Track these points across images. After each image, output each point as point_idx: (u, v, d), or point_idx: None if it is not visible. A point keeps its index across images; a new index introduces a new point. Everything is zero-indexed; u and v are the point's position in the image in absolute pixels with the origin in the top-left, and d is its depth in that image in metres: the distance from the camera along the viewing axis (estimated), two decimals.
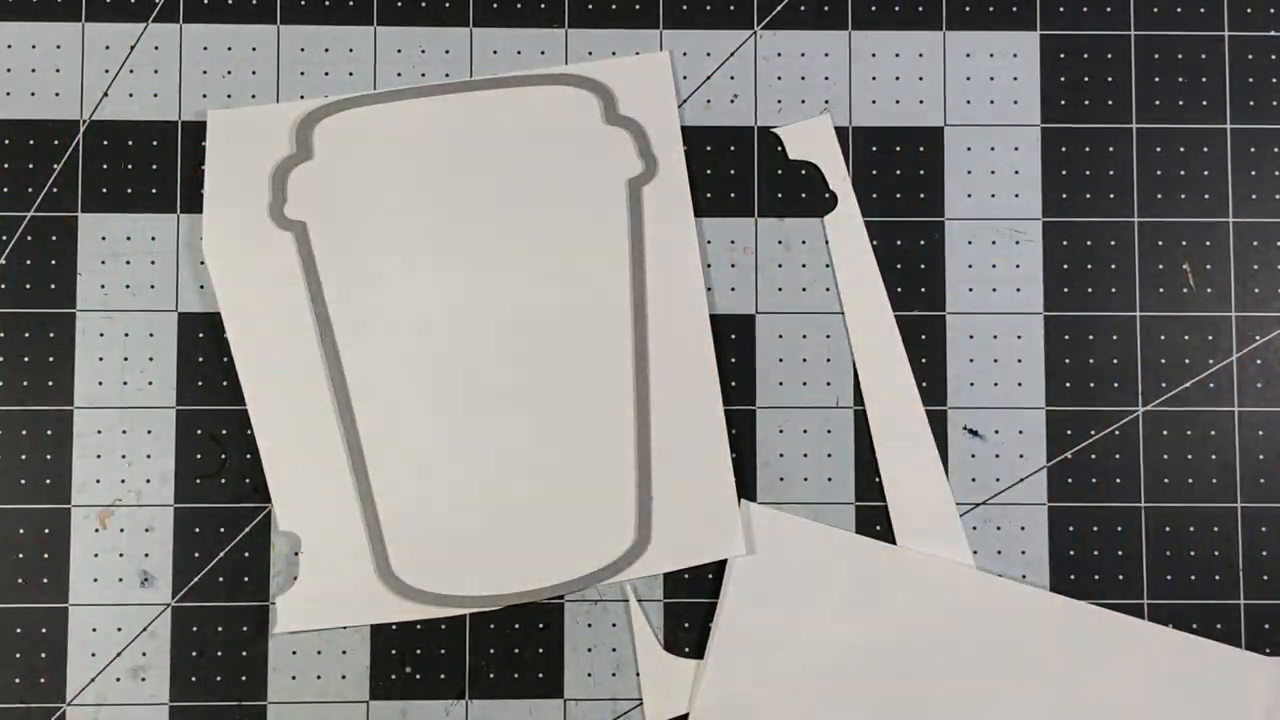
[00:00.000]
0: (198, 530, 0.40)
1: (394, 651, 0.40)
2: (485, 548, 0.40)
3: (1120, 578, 0.41)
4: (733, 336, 0.41)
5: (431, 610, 0.40)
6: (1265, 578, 0.41)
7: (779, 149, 0.42)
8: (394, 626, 0.40)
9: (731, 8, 0.42)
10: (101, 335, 0.41)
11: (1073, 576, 0.41)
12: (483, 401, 0.40)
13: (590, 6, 0.42)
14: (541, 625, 0.41)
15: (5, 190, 0.41)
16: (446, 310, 0.41)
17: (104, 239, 0.41)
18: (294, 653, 0.40)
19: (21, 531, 0.40)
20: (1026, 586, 0.41)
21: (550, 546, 0.40)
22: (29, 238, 0.41)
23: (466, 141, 0.41)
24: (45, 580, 0.40)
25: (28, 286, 0.41)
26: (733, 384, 0.41)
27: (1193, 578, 0.41)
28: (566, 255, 0.41)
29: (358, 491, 0.40)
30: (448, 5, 0.42)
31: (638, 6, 0.42)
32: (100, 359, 0.41)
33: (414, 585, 0.40)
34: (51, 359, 0.41)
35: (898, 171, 0.42)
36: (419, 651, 0.40)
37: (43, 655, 0.40)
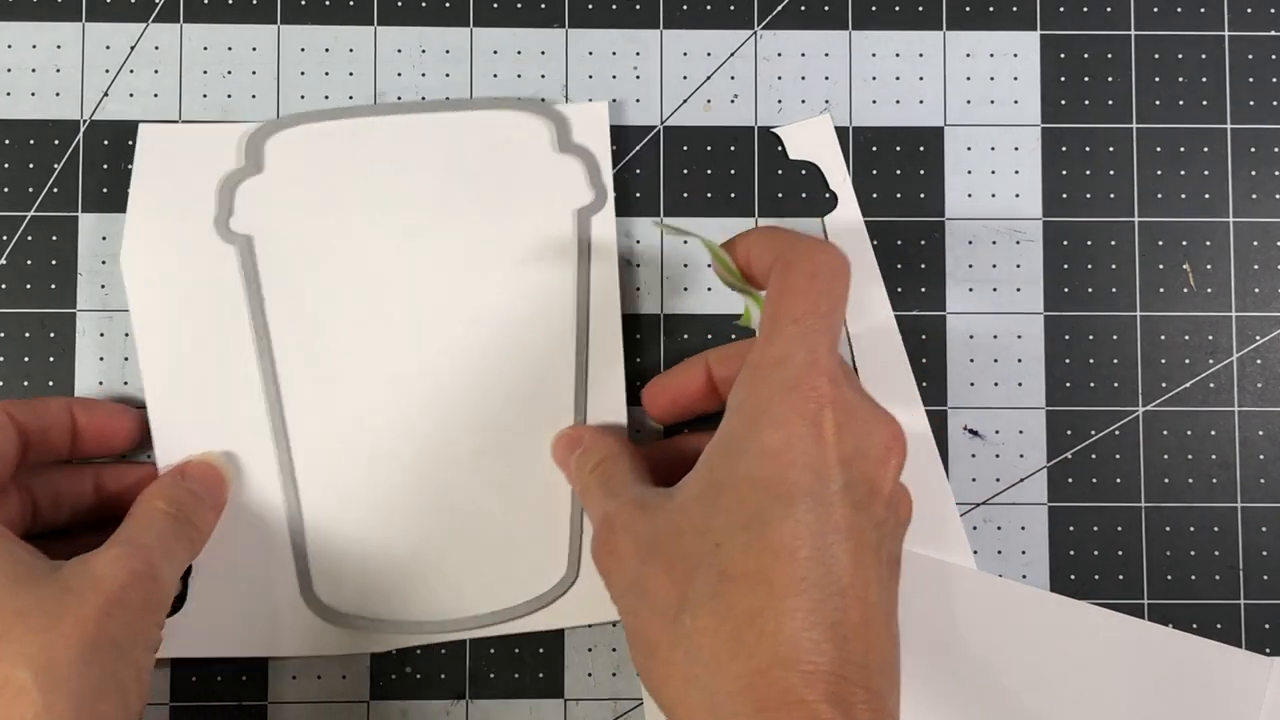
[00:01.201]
0: None
1: (394, 651, 0.40)
2: (415, 576, 0.40)
3: (1120, 578, 0.41)
4: (733, 337, 0.41)
5: (352, 644, 0.40)
6: (1265, 578, 0.41)
7: (779, 149, 0.42)
8: None
9: (731, 8, 0.42)
10: (102, 335, 0.41)
11: (1073, 576, 0.41)
12: (421, 426, 0.40)
13: (590, 6, 0.42)
14: None
15: (5, 190, 0.41)
16: (389, 331, 0.40)
17: (104, 239, 0.41)
18: None
19: None
20: (1026, 586, 0.41)
21: (481, 577, 0.40)
22: (29, 238, 0.41)
23: (419, 162, 0.41)
24: None
25: (28, 286, 0.41)
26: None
27: (1193, 578, 0.41)
28: (513, 281, 0.40)
29: (287, 512, 0.40)
30: (448, 5, 0.42)
31: (638, 6, 0.42)
32: (100, 359, 0.41)
33: (337, 609, 0.40)
34: (51, 359, 0.41)
35: (898, 171, 0.42)
36: (419, 651, 0.40)
37: None
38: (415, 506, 0.40)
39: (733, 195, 0.42)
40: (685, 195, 0.42)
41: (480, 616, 0.40)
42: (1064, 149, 0.42)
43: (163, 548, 0.35)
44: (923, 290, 0.42)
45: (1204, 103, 0.42)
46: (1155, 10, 0.42)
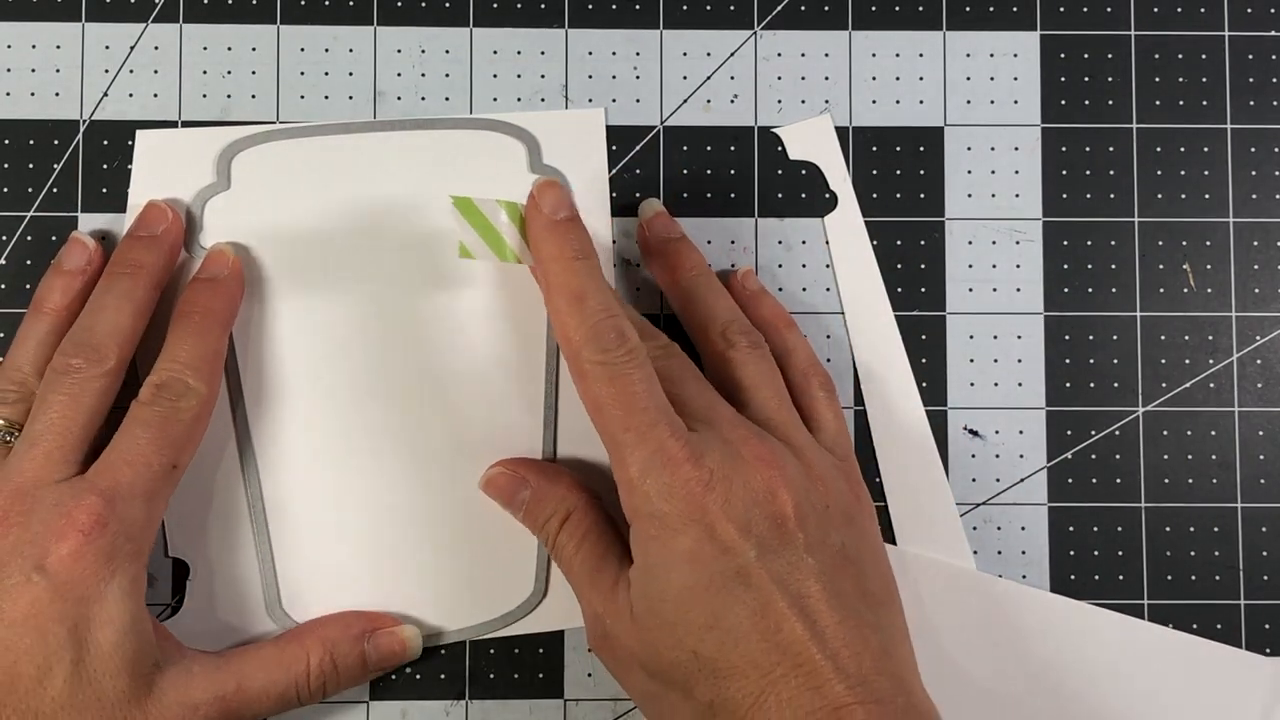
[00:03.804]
0: None
1: None
2: (381, 595, 0.40)
3: (1120, 578, 0.41)
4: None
5: None
6: (1265, 578, 0.41)
7: (779, 149, 0.42)
8: None
9: (731, 8, 0.42)
10: None
11: (1073, 576, 0.41)
12: (387, 443, 0.40)
13: (590, 6, 0.42)
14: None
15: (5, 190, 0.41)
16: (354, 353, 0.40)
17: (104, 239, 0.41)
18: None
19: None
20: (1026, 587, 0.41)
21: (449, 596, 0.40)
22: (29, 238, 0.41)
23: (387, 181, 0.40)
24: None
25: (28, 287, 0.41)
26: None
27: (1193, 578, 0.41)
28: (483, 303, 0.40)
29: (253, 526, 0.40)
30: (448, 5, 0.42)
31: (638, 6, 0.42)
32: None
33: (301, 623, 0.40)
34: None
35: (898, 171, 0.42)
36: None
37: None
38: (382, 526, 0.40)
39: (733, 195, 0.42)
40: (685, 195, 0.42)
41: (447, 634, 0.40)
42: (1064, 149, 0.42)
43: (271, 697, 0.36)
44: (923, 290, 0.42)
45: (1204, 103, 0.42)
46: (1155, 10, 0.42)
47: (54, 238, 0.41)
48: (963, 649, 0.40)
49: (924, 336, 0.42)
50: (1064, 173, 0.42)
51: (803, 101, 0.42)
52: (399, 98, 0.42)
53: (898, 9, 0.42)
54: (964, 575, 0.40)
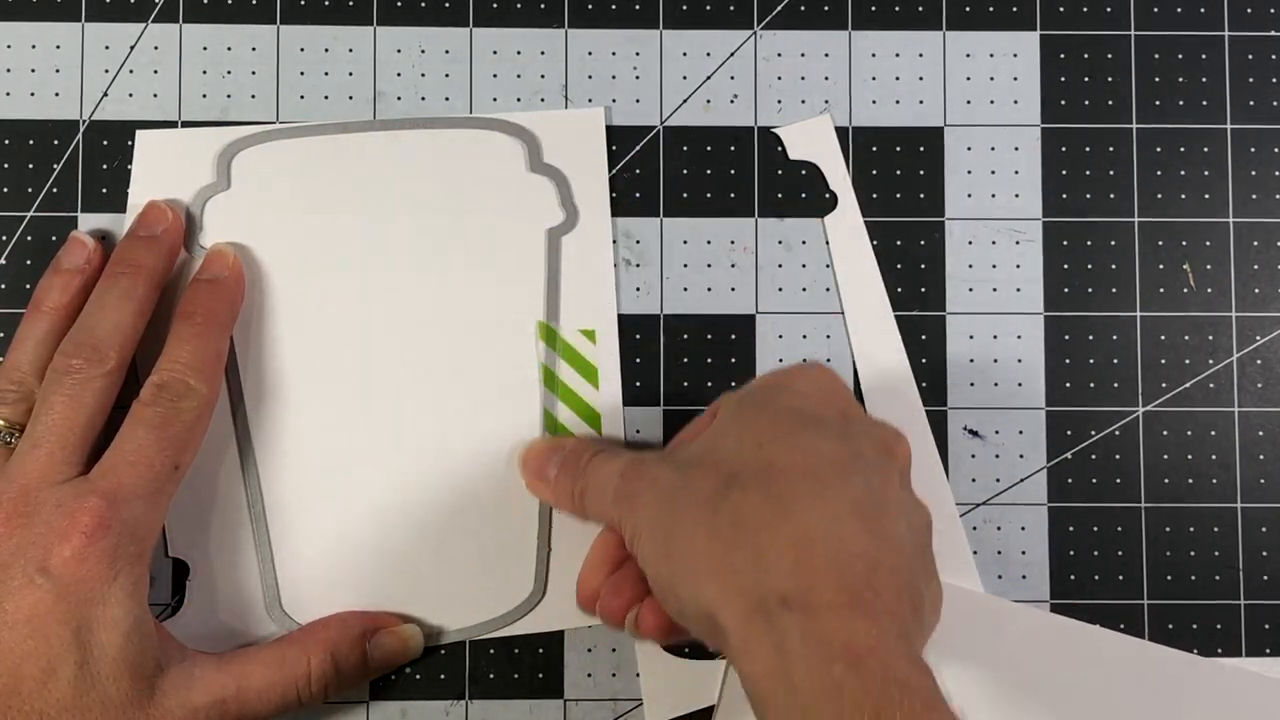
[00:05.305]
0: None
1: None
2: (380, 594, 0.40)
3: (1120, 578, 0.41)
4: (732, 337, 0.41)
5: None
6: (1265, 578, 0.41)
7: (779, 149, 0.42)
8: None
9: (731, 8, 0.42)
10: None
11: (1073, 576, 0.41)
12: (387, 443, 0.40)
13: (590, 6, 0.42)
14: None
15: (5, 190, 0.41)
16: (354, 353, 0.40)
17: (104, 239, 0.41)
18: None
19: None
20: (1034, 609, 0.40)
21: (447, 596, 0.40)
22: (29, 238, 0.41)
23: (387, 180, 0.41)
24: None
25: (28, 287, 0.40)
26: (732, 384, 0.41)
27: (1193, 578, 0.41)
28: (484, 303, 0.40)
29: (253, 526, 0.40)
30: (448, 5, 0.42)
31: (638, 6, 0.42)
32: None
33: (302, 623, 0.40)
34: None
35: (898, 171, 0.42)
36: None
37: None
38: (382, 526, 0.40)
39: (733, 195, 0.42)
40: (685, 195, 0.42)
41: (448, 633, 0.40)
42: (1064, 149, 0.42)
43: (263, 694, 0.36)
44: (923, 290, 0.42)
45: (1204, 103, 0.42)
46: (1155, 10, 0.42)
47: (54, 238, 0.41)
48: (962, 664, 0.40)
49: (924, 336, 0.42)
50: (1064, 173, 0.42)
51: (803, 101, 0.42)
52: (399, 98, 0.42)
53: (898, 9, 0.42)
54: (963, 596, 0.40)
